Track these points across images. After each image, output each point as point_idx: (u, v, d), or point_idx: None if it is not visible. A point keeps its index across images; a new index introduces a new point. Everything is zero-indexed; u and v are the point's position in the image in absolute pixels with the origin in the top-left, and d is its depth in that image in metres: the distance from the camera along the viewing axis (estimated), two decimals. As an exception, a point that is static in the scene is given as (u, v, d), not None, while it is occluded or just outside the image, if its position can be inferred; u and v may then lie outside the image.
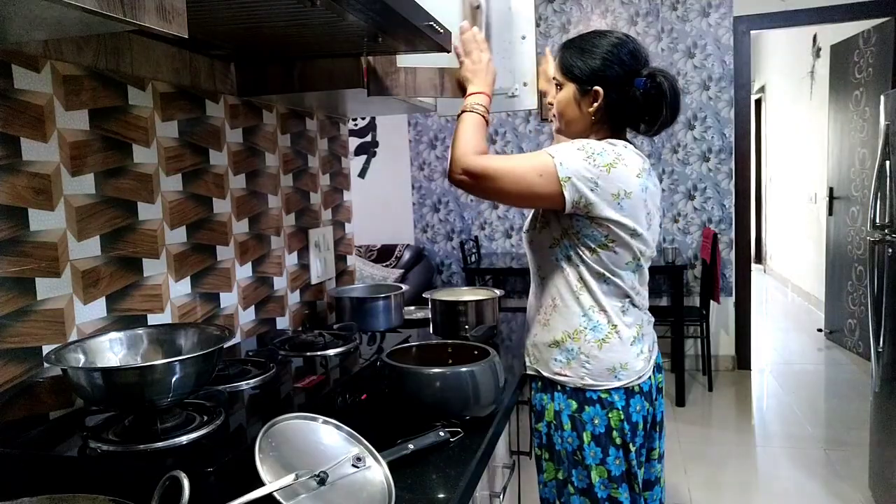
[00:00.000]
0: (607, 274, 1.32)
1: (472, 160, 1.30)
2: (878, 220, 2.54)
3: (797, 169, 6.73)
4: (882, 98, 2.62)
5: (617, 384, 1.33)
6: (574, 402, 1.34)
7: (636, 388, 1.35)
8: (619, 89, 1.32)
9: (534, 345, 1.42)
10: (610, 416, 1.33)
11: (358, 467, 0.95)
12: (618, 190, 1.27)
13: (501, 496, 1.30)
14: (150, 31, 0.75)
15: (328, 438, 0.99)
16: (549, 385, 1.38)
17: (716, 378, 4.27)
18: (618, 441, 1.33)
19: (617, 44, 1.33)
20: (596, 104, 1.33)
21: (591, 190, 1.25)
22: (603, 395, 1.33)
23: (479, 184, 1.30)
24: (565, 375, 1.35)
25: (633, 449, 1.35)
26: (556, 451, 1.37)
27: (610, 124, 1.37)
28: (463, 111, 1.39)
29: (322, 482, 0.89)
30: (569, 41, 1.39)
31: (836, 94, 4.93)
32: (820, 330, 5.26)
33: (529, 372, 1.43)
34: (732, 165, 4.34)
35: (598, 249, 1.31)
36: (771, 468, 3.05)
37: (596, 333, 1.33)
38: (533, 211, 1.42)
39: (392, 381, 1.21)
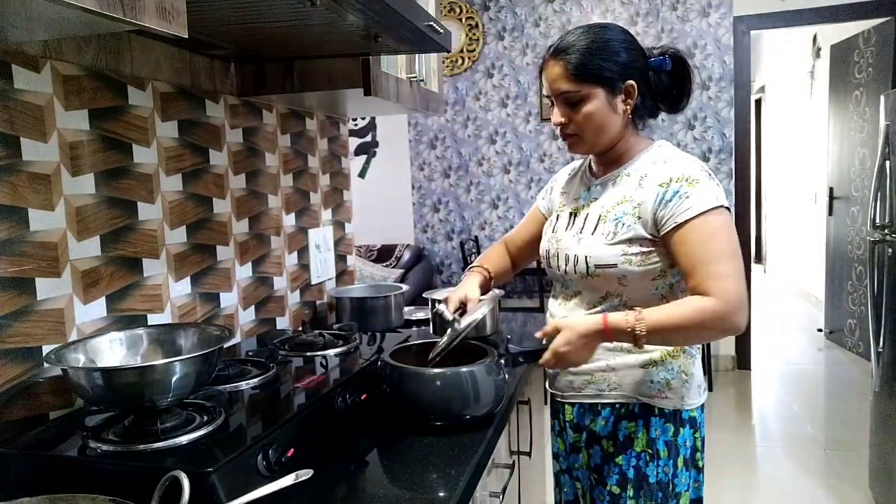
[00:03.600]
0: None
1: (738, 311, 1.12)
2: (878, 220, 2.54)
3: (797, 169, 6.73)
4: (882, 98, 2.62)
5: (700, 401, 1.28)
6: (671, 426, 1.24)
7: (704, 403, 1.31)
8: (644, 78, 1.24)
9: (610, 370, 1.26)
10: (696, 436, 1.27)
11: None
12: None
13: (501, 496, 1.30)
14: (150, 31, 0.75)
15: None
16: (642, 410, 1.25)
17: (716, 378, 4.27)
18: (700, 463, 1.28)
19: (624, 31, 1.24)
20: (631, 101, 1.22)
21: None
22: (693, 414, 1.26)
23: (746, 306, 1.14)
24: (665, 397, 1.24)
25: (702, 467, 1.30)
26: (650, 484, 1.23)
27: (638, 119, 1.28)
28: (638, 334, 1.12)
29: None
30: (569, 47, 1.21)
31: (836, 94, 4.93)
32: (820, 330, 5.25)
33: (606, 401, 1.28)
34: (732, 165, 4.33)
35: None
36: (771, 468, 3.05)
37: (692, 349, 1.27)
38: (611, 242, 1.21)
39: (392, 381, 1.21)
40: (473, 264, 1.50)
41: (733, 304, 1.11)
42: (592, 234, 1.24)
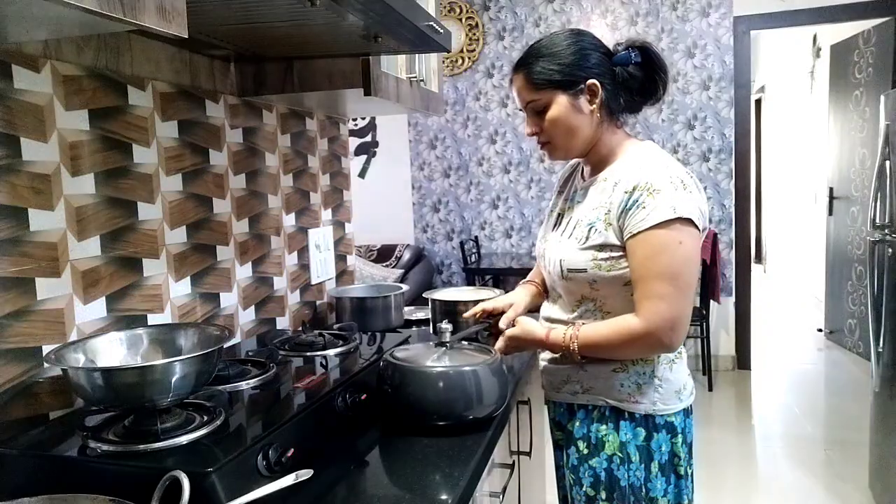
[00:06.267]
0: None
1: (665, 332, 1.15)
2: (878, 220, 2.54)
3: (797, 169, 6.73)
4: (882, 98, 2.62)
5: (681, 406, 1.27)
6: (643, 431, 1.25)
7: (689, 408, 1.30)
8: (608, 74, 1.23)
9: (583, 372, 1.28)
10: (674, 441, 1.26)
11: None
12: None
13: (501, 496, 1.30)
14: (150, 31, 0.75)
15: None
16: (613, 414, 1.26)
17: (716, 378, 4.27)
18: (681, 470, 1.28)
19: (576, 33, 1.25)
20: (597, 98, 1.22)
21: (702, 212, 1.18)
22: (670, 419, 1.26)
23: (680, 326, 1.17)
24: (636, 402, 1.24)
25: (690, 473, 1.30)
26: (622, 487, 1.24)
27: (612, 117, 1.26)
28: (573, 351, 1.23)
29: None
30: (526, 58, 1.25)
31: (836, 94, 4.93)
32: (820, 330, 5.26)
33: (580, 402, 1.29)
34: (732, 165, 4.34)
35: None
36: (771, 468, 3.05)
37: (668, 354, 1.26)
38: (583, 247, 1.23)
39: (395, 380, 1.21)
40: (524, 280, 1.53)
41: (659, 325, 1.14)
42: (569, 237, 1.27)
